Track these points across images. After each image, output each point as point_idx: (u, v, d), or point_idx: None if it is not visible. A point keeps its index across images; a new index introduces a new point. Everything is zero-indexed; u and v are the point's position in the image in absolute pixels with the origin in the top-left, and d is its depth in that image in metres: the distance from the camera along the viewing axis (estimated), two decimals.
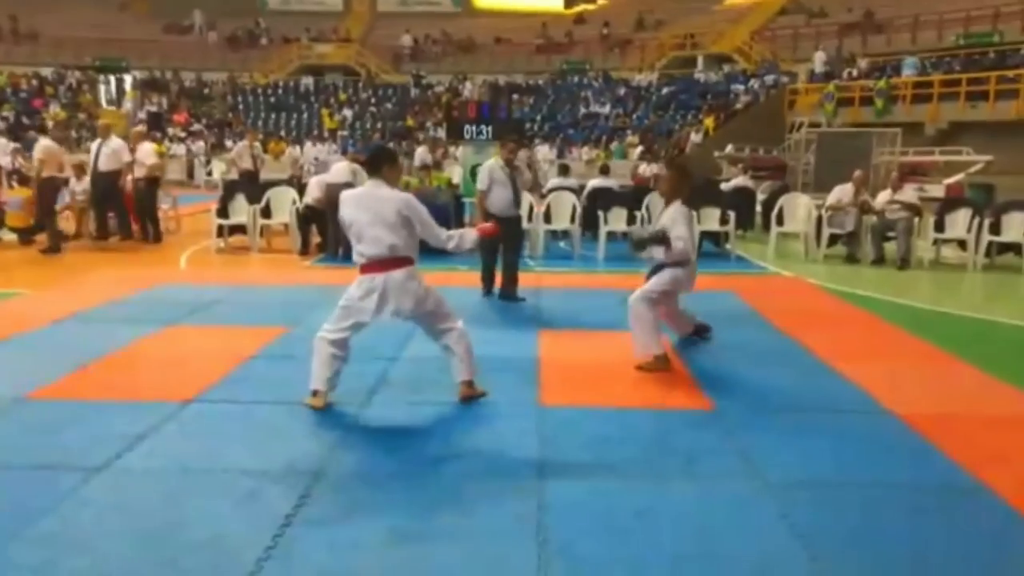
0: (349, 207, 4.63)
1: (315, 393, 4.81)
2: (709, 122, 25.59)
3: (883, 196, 11.17)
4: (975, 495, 3.83)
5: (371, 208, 4.55)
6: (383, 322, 4.78)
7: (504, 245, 7.91)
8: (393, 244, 4.55)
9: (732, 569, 3.16)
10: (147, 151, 12.24)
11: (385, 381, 5.41)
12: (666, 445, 4.39)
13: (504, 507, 3.63)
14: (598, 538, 3.36)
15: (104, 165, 11.44)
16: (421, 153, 18.47)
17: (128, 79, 34.16)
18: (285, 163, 23.04)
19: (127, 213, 11.92)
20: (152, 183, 12.17)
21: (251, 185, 12.80)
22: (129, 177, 11.63)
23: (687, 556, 3.24)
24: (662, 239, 5.65)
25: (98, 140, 11.86)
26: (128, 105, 32.53)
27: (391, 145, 26.80)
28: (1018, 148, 18.04)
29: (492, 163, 7.96)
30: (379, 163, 4.71)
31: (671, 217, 5.73)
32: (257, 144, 16.14)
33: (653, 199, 12.03)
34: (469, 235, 4.93)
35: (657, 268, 5.88)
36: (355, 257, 4.68)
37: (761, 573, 3.14)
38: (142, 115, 31.23)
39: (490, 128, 11.35)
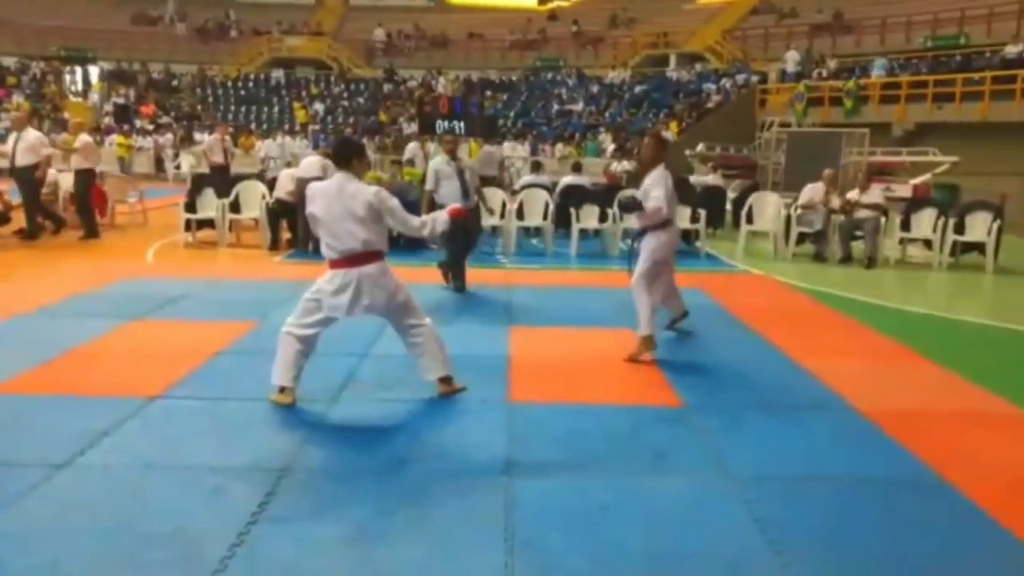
0: (318, 201, 4.55)
1: (283, 390, 4.76)
2: (674, 126, 25.75)
3: (851, 195, 11.31)
4: (938, 491, 3.89)
5: (341, 202, 4.48)
6: (353, 318, 4.74)
7: (466, 235, 8.01)
8: (365, 239, 4.50)
9: (699, 565, 3.18)
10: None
11: (354, 378, 5.38)
12: (634, 441, 4.41)
13: (471, 504, 3.62)
14: (565, 534, 3.37)
15: (21, 159, 10.87)
16: (412, 148, 18.26)
17: (95, 70, 33.58)
18: (255, 157, 22.81)
19: (47, 207, 11.52)
20: (84, 175, 11.58)
21: (221, 179, 12.63)
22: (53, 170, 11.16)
23: (654, 552, 3.26)
24: (636, 205, 5.89)
25: (14, 133, 11.25)
26: (95, 97, 31.98)
27: (364, 139, 26.74)
28: (982, 149, 18.38)
29: (437, 160, 8.17)
30: (347, 156, 4.65)
31: (651, 181, 5.93)
32: (227, 138, 15.96)
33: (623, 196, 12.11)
34: (441, 217, 4.89)
35: (638, 238, 6.18)
36: (325, 252, 4.60)
37: (728, 569, 3.17)
38: (109, 107, 30.76)
39: (462, 124, 11.35)
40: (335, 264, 4.56)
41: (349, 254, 4.51)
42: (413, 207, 11.58)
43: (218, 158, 14.77)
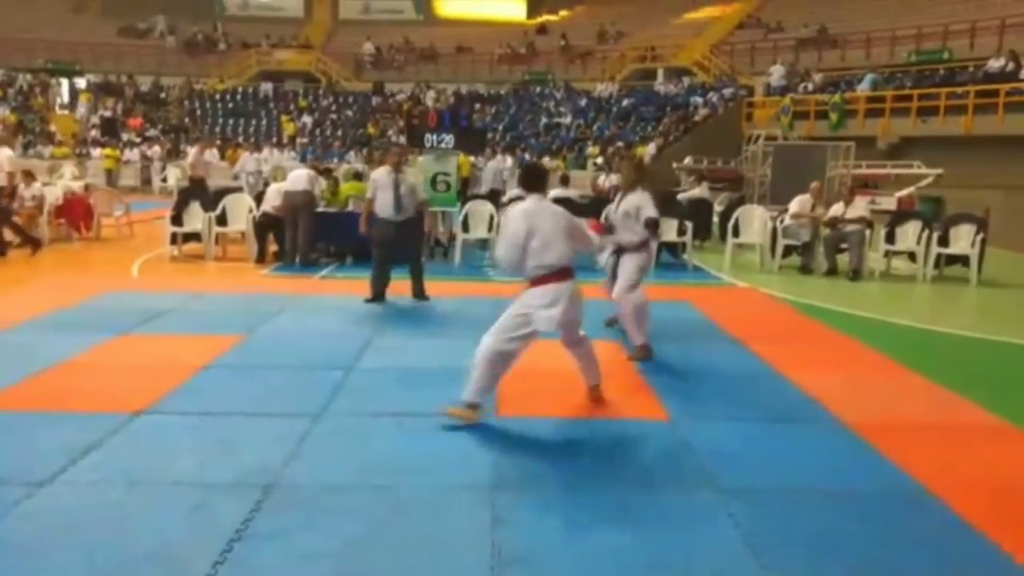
0: (526, 220, 4.69)
1: (473, 406, 4.73)
2: (659, 142, 25.90)
3: (836, 208, 11.38)
4: (922, 502, 3.91)
5: (549, 220, 4.73)
6: (554, 332, 4.87)
7: (403, 249, 8.23)
8: (569, 255, 4.79)
9: None
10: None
11: (340, 392, 5.36)
12: (622, 455, 4.41)
13: (458, 519, 3.61)
14: (551, 549, 3.36)
15: None
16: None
17: (81, 83, 33.47)
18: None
19: (20, 226, 11.37)
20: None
21: (201, 192, 12.59)
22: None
23: (641, 566, 3.26)
24: (654, 224, 6.34)
25: None
26: (81, 109, 31.87)
27: (352, 153, 26.70)
28: (966, 162, 18.55)
29: (378, 171, 8.41)
30: (540, 180, 5.04)
31: (639, 201, 6.31)
32: (208, 151, 16.15)
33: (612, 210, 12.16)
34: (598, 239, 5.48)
35: (616, 254, 6.51)
36: (532, 270, 4.72)
37: None
38: (96, 119, 30.67)
39: (452, 137, 11.36)
40: (542, 280, 4.71)
41: (556, 270, 4.71)
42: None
43: (200, 172, 15.12)
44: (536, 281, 4.72)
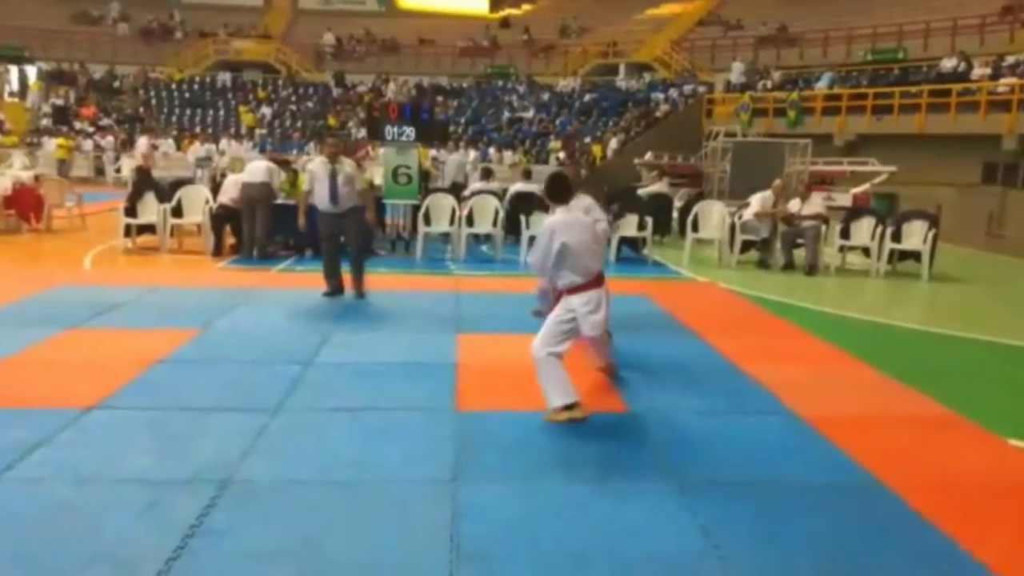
0: (563, 234, 4.79)
1: (575, 405, 4.74)
2: (621, 137, 26.03)
3: (792, 204, 11.55)
4: (874, 493, 3.99)
5: (581, 232, 4.88)
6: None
7: (345, 240, 8.16)
8: (601, 260, 5.09)
9: (644, 568, 3.21)
10: None
11: (299, 386, 5.30)
12: (581, 448, 4.43)
13: (417, 514, 3.59)
14: (511, 541, 3.36)
15: None
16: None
17: (32, 70, 32.54)
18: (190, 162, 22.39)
19: None
20: None
21: (148, 182, 12.33)
22: None
23: (600, 559, 3.27)
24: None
25: None
26: (32, 97, 30.99)
27: (312, 144, 26.36)
28: (919, 160, 18.97)
29: (316, 162, 8.30)
30: (567, 190, 5.02)
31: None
32: (165, 142, 16.04)
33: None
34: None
35: None
36: (570, 279, 4.84)
37: (672, 572, 3.19)
38: (47, 108, 29.87)
39: (412, 129, 11.27)
40: (581, 288, 4.83)
41: (594, 276, 4.90)
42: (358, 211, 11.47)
43: (149, 162, 15.50)
44: (576, 289, 4.84)
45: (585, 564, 3.23)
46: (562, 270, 4.84)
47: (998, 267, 13.14)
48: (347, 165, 8.06)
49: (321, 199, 7.96)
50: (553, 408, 4.75)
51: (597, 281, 4.91)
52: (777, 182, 11.79)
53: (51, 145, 24.75)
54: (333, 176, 7.89)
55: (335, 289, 8.16)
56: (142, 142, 16.67)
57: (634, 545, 3.38)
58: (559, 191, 5.01)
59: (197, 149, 19.13)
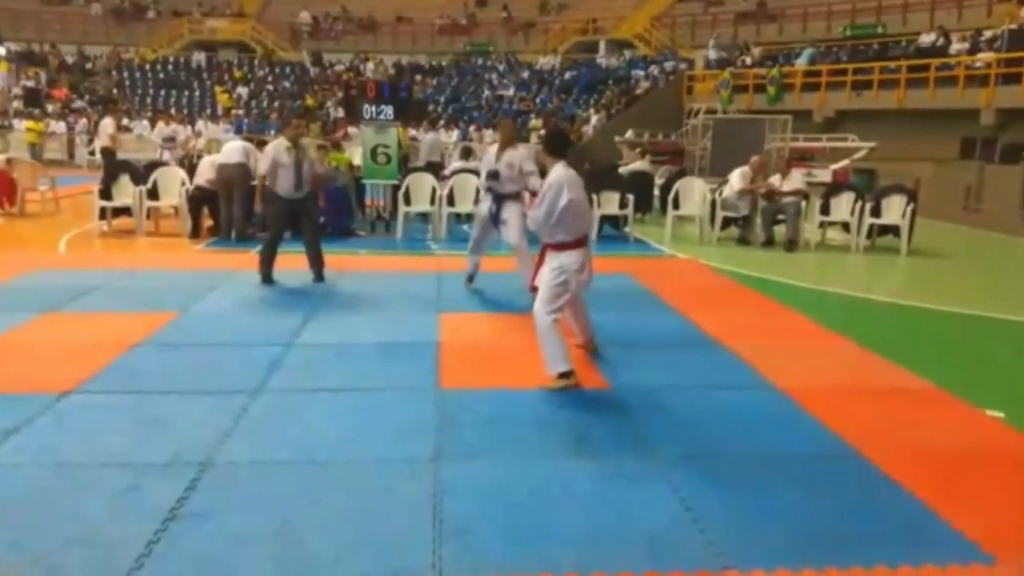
0: (570, 190, 4.82)
1: (565, 375, 4.87)
2: (602, 115, 25.95)
3: (773, 180, 11.58)
4: (853, 462, 4.03)
5: (580, 190, 4.91)
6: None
7: (303, 226, 7.98)
8: (591, 223, 5.27)
9: (625, 543, 3.22)
10: None
11: (279, 367, 5.26)
12: (563, 424, 4.43)
13: (400, 492, 3.58)
14: (494, 518, 3.36)
15: None
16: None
17: (0, 51, 31.89)
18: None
19: None
20: None
21: (119, 164, 12.16)
22: None
23: (581, 534, 3.28)
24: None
25: None
26: (2, 79, 30.40)
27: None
28: (898, 135, 19.05)
29: (276, 145, 7.76)
30: (567, 144, 5.10)
31: (515, 158, 7.11)
32: (139, 123, 15.84)
33: None
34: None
35: (496, 202, 7.30)
36: (561, 236, 4.89)
37: (654, 547, 3.21)
38: (18, 90, 29.34)
39: (391, 108, 11.16)
40: (569, 246, 4.89)
41: (582, 235, 4.96)
42: (341, 193, 11.37)
43: (106, 142, 15.70)
44: (563, 246, 4.89)
45: (567, 540, 3.23)
46: (558, 227, 4.85)
47: (976, 241, 13.27)
48: (310, 148, 7.82)
49: (284, 186, 7.62)
50: (551, 374, 4.89)
51: (584, 240, 5.00)
52: (754, 158, 11.78)
53: (23, 128, 24.32)
54: (299, 164, 7.62)
55: (268, 276, 7.85)
56: (107, 123, 16.45)
57: (616, 520, 3.39)
58: (560, 145, 5.12)
59: (162, 129, 18.80)
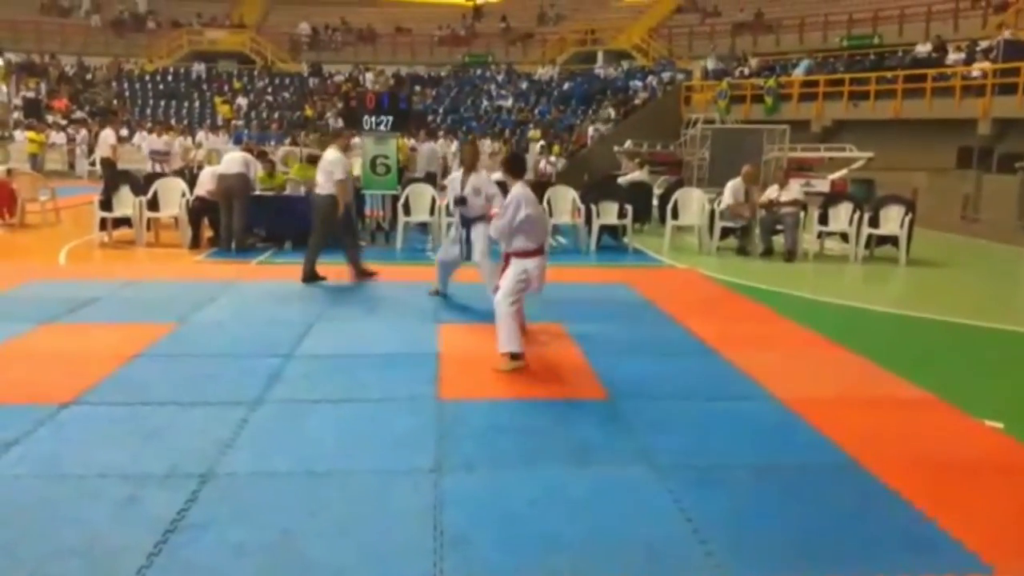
0: (527, 204, 5.53)
1: (515, 355, 5.47)
2: (600, 126, 26.04)
3: (771, 191, 11.61)
4: (851, 472, 4.03)
5: (536, 206, 5.67)
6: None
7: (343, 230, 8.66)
8: (546, 233, 6.06)
9: (625, 553, 3.22)
10: None
11: (279, 378, 5.26)
12: (562, 434, 4.43)
13: (400, 503, 3.59)
14: (494, 528, 3.37)
15: None
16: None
17: (0, 62, 31.98)
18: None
19: None
20: None
21: (120, 175, 12.18)
22: None
23: (581, 544, 3.28)
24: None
25: None
26: (2, 90, 30.46)
27: (303, 135, 26.14)
28: (896, 145, 19.14)
29: (341, 155, 8.49)
30: (524, 167, 6.16)
31: (479, 182, 7.43)
32: (138, 134, 15.82)
33: (554, 192, 12.19)
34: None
35: (465, 226, 7.53)
36: (523, 244, 5.57)
37: (653, 556, 3.21)
38: (18, 101, 29.39)
39: (391, 119, 11.21)
40: (533, 253, 5.61)
41: (540, 244, 5.69)
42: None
43: (106, 152, 16.00)
44: (528, 253, 5.60)
45: (567, 551, 3.23)
46: (518, 236, 5.54)
47: (973, 250, 13.31)
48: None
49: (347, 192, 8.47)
50: (503, 352, 5.47)
51: (542, 249, 5.71)
52: (746, 168, 11.77)
53: (23, 139, 24.36)
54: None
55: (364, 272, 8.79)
56: (107, 134, 16.35)
57: (615, 531, 3.39)
58: (518, 167, 5.93)
59: (153, 141, 18.02)
